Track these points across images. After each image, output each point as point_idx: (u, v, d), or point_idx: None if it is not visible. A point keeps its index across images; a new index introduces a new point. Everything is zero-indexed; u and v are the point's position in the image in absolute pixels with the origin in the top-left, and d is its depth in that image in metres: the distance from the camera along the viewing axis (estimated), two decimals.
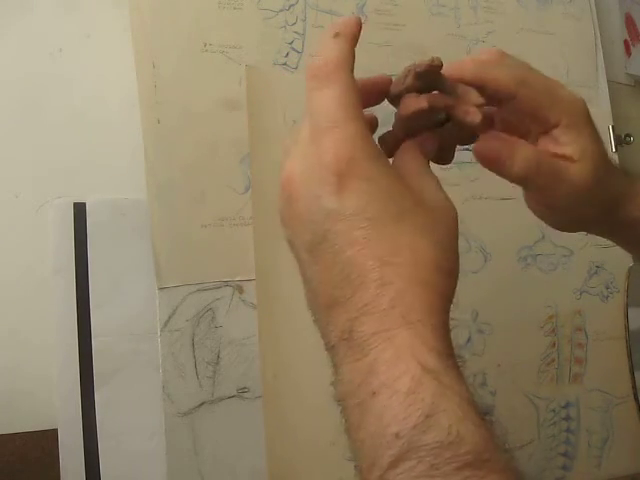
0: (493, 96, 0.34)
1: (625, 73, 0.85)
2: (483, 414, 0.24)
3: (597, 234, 0.42)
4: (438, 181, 0.30)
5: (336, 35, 0.29)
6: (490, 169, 0.34)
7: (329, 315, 0.26)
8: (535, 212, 0.38)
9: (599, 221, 0.38)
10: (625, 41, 0.85)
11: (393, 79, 0.34)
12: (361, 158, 0.27)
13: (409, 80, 0.32)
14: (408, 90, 0.32)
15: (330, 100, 0.28)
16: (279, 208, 0.30)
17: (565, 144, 0.34)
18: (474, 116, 0.32)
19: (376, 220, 0.26)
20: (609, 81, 0.78)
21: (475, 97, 0.32)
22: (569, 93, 0.35)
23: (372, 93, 0.33)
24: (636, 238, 0.39)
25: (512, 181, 0.34)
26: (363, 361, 0.24)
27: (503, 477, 0.22)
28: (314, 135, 0.28)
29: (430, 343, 0.24)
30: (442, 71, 0.32)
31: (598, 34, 0.78)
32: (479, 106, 0.32)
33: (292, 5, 0.60)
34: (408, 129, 0.32)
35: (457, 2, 0.69)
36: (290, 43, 0.59)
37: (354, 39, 0.30)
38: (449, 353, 0.25)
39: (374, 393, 0.24)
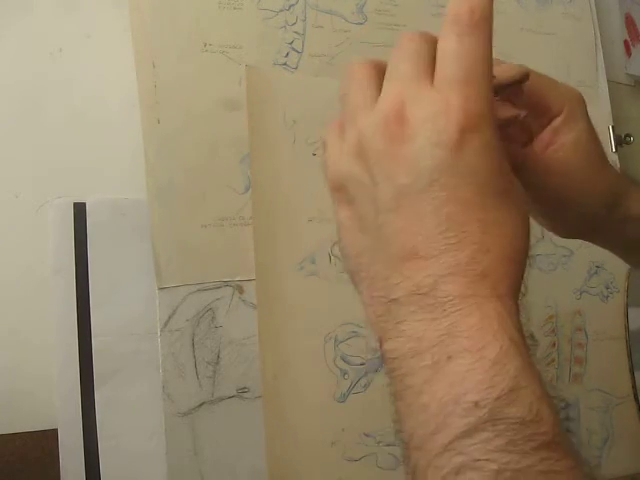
0: (499, 91, 0.34)
1: (625, 73, 0.85)
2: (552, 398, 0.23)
3: (598, 240, 0.42)
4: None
5: None
6: None
7: (403, 266, 0.25)
8: (538, 220, 0.39)
9: (600, 221, 0.38)
10: (625, 41, 0.85)
11: None
12: (487, 121, 0.26)
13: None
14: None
15: (479, 49, 0.27)
16: (365, 140, 0.27)
17: (564, 133, 0.35)
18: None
19: (485, 187, 0.25)
20: (609, 81, 0.78)
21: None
22: (566, 85, 0.36)
23: None
24: (633, 237, 0.39)
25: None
26: (441, 321, 0.24)
27: (573, 462, 0.22)
28: (448, 82, 0.26)
29: (514, 319, 0.24)
30: None
31: (598, 34, 0.78)
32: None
33: (292, 5, 0.60)
34: None
35: None
36: (290, 43, 0.59)
37: None
38: (524, 333, 0.25)
39: (451, 357, 0.23)
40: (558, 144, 0.35)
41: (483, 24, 0.27)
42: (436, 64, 0.27)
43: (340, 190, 0.29)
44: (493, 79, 0.29)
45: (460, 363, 0.22)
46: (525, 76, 0.33)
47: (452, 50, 0.27)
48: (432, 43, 0.29)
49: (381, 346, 0.26)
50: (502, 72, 0.32)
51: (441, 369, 0.23)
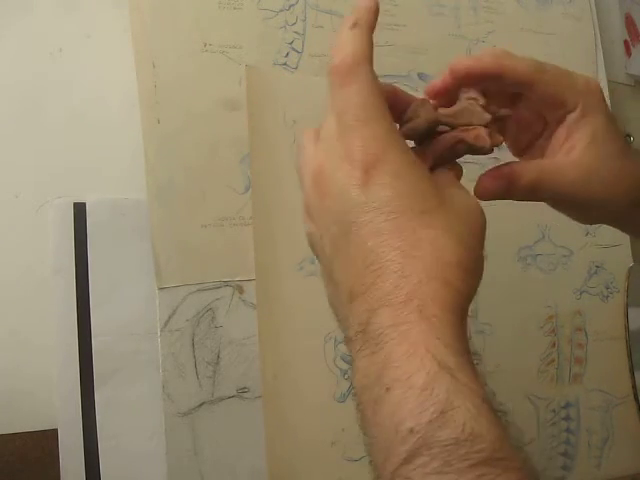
0: (511, 85, 0.34)
1: (625, 73, 0.85)
2: (498, 413, 0.24)
3: (623, 227, 0.41)
4: (467, 191, 0.31)
5: (353, 26, 0.29)
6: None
7: (350, 307, 0.27)
8: (567, 214, 0.38)
9: (626, 214, 0.36)
10: (625, 41, 0.85)
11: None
12: (389, 154, 0.27)
13: (428, 114, 0.33)
14: (429, 122, 0.32)
15: (355, 97, 0.28)
16: (307, 202, 0.30)
17: (580, 129, 0.34)
18: (484, 141, 0.33)
19: (401, 214, 0.26)
20: (609, 81, 0.78)
21: (481, 117, 0.33)
22: (584, 76, 0.35)
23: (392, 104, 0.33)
24: None
25: (522, 200, 0.35)
26: (378, 355, 0.24)
27: (518, 476, 0.22)
28: (341, 132, 0.28)
29: (446, 339, 0.24)
30: (461, 64, 0.34)
31: (598, 34, 0.78)
32: (486, 125, 0.33)
33: (292, 5, 0.60)
34: (437, 159, 0.33)
35: (457, 2, 0.69)
36: (290, 43, 0.59)
37: (371, 28, 0.30)
38: (464, 350, 0.25)
39: (388, 388, 0.23)
40: (573, 141, 0.34)
41: (360, 67, 0.28)
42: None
43: (307, 207, 0.31)
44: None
45: (395, 394, 0.23)
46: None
47: (337, 102, 0.29)
48: None
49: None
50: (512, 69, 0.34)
51: (382, 401, 0.24)
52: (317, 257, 0.31)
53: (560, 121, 0.35)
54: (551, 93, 0.34)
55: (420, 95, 0.35)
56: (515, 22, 0.72)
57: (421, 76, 0.65)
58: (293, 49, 0.59)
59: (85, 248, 0.52)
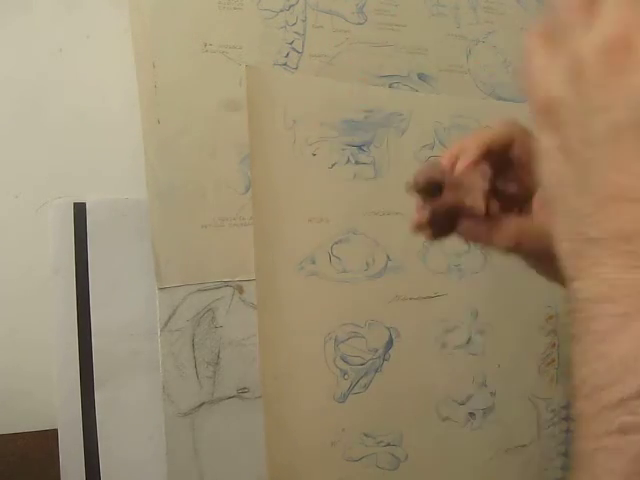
0: (499, 153, 0.36)
1: None
2: None
3: None
4: None
5: None
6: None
7: (606, 206, 0.23)
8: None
9: None
10: None
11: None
12: None
13: (430, 174, 0.36)
14: (428, 180, 0.36)
15: None
16: (590, 66, 0.24)
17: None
18: (479, 207, 0.36)
19: None
20: None
21: (481, 185, 0.37)
22: None
23: None
24: None
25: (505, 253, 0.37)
26: (639, 271, 0.21)
27: None
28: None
29: None
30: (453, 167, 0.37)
31: None
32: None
33: (292, 5, 0.60)
34: (436, 216, 0.37)
35: (457, 2, 0.69)
36: (290, 43, 0.59)
37: None
38: None
39: None
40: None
41: None
42: None
43: (548, 114, 0.26)
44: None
45: None
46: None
47: None
48: None
49: (570, 284, 0.24)
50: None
51: (630, 321, 0.21)
52: (555, 128, 0.26)
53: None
54: (527, 153, 0.35)
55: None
56: (515, 22, 0.72)
57: (421, 76, 0.65)
58: (293, 49, 0.59)
59: (85, 248, 0.52)
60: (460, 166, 0.36)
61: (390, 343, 0.60)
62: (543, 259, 0.36)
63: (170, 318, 0.52)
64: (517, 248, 0.37)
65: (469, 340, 0.63)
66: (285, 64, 0.59)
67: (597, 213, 0.23)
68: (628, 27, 0.23)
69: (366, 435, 0.58)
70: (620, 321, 0.21)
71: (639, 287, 0.21)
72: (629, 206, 0.22)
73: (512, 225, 0.37)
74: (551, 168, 0.26)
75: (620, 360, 0.21)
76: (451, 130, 0.65)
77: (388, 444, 0.58)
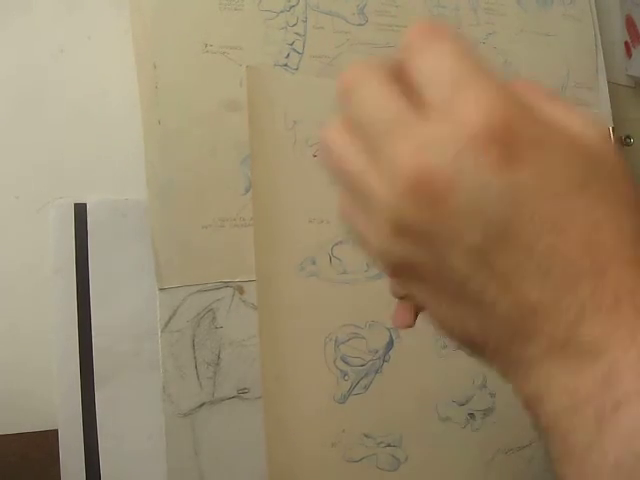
0: None
1: (625, 75, 0.85)
2: None
3: None
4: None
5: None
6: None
7: (532, 325, 0.21)
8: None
9: None
10: (626, 42, 0.85)
11: None
12: (520, 114, 0.20)
13: None
14: None
15: (448, 55, 0.21)
16: (406, 218, 0.21)
17: None
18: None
19: (566, 194, 0.20)
20: (609, 82, 0.78)
21: None
22: None
23: None
24: None
25: None
26: (593, 369, 0.20)
27: None
28: (441, 101, 0.21)
29: None
30: None
31: (598, 35, 0.79)
32: None
33: (293, 6, 0.60)
34: None
35: (457, 3, 0.69)
36: (291, 44, 0.59)
37: None
38: None
39: (618, 404, 0.19)
40: None
41: (444, 30, 0.22)
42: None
43: (400, 274, 0.24)
44: None
45: (632, 411, 0.19)
46: None
47: (425, 66, 0.22)
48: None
49: (528, 406, 0.23)
50: None
51: (608, 422, 0.19)
52: (415, 283, 0.24)
53: None
54: None
55: None
56: (515, 23, 0.72)
57: None
58: (294, 50, 0.59)
59: (86, 249, 0.52)
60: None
61: (390, 344, 0.60)
62: None
63: (170, 319, 0.52)
64: None
65: None
66: (286, 65, 0.59)
67: (528, 335, 0.21)
68: (416, 161, 0.20)
69: (366, 436, 0.58)
70: (594, 426, 0.20)
71: (596, 384, 0.20)
72: (542, 317, 0.21)
73: None
74: (438, 316, 0.24)
75: (617, 466, 0.19)
76: None
77: (388, 445, 0.58)
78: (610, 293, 0.20)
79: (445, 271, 0.22)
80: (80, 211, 0.52)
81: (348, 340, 0.58)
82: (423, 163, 0.20)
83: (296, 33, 0.60)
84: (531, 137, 0.20)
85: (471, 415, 0.63)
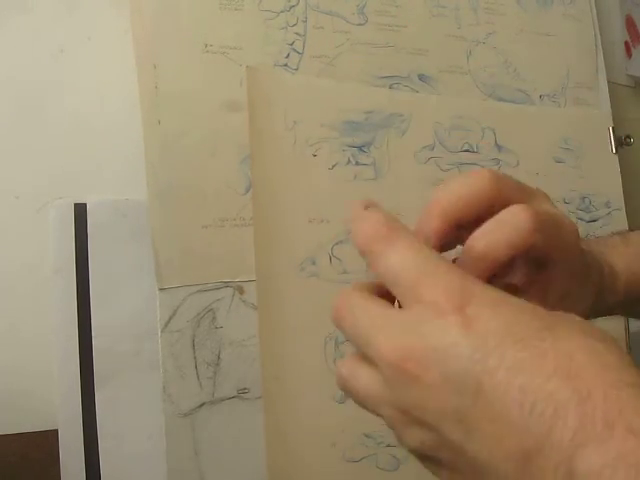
0: (468, 215, 0.30)
1: (625, 74, 0.85)
2: None
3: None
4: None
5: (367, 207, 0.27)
6: None
7: (528, 472, 0.21)
8: None
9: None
10: (626, 42, 0.85)
11: None
12: (471, 283, 0.23)
13: None
14: None
15: (402, 253, 0.25)
16: (401, 401, 0.24)
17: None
18: None
19: (526, 340, 0.22)
20: (609, 82, 0.78)
21: None
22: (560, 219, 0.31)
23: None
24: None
25: None
26: None
27: None
28: (405, 293, 0.24)
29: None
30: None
31: (598, 35, 0.79)
32: None
33: (293, 6, 0.60)
34: None
35: (457, 3, 0.69)
36: (291, 44, 0.59)
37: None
38: None
39: None
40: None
41: (398, 230, 0.26)
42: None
43: (424, 459, 0.25)
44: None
45: None
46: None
47: (386, 268, 0.26)
48: None
49: None
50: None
51: None
52: (433, 461, 0.25)
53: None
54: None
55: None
56: (515, 23, 0.72)
57: (421, 77, 0.65)
58: (294, 50, 0.59)
59: (86, 249, 0.52)
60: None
61: None
62: None
63: (170, 319, 0.52)
64: None
65: None
66: (286, 65, 0.59)
67: None
68: (397, 344, 0.23)
69: (366, 436, 0.58)
70: None
71: None
72: (539, 457, 0.20)
73: None
74: (436, 454, 0.24)
75: None
76: (451, 131, 0.65)
77: (388, 445, 0.58)
78: (599, 418, 0.20)
79: (450, 450, 0.23)
80: (80, 211, 0.52)
81: (348, 340, 0.58)
82: (399, 346, 0.23)
83: (296, 33, 0.60)
84: (486, 299, 0.23)
85: None
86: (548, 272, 0.30)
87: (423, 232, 0.29)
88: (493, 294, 0.23)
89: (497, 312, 0.22)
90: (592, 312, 0.36)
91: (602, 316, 0.38)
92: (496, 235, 0.27)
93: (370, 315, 0.26)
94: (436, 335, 0.22)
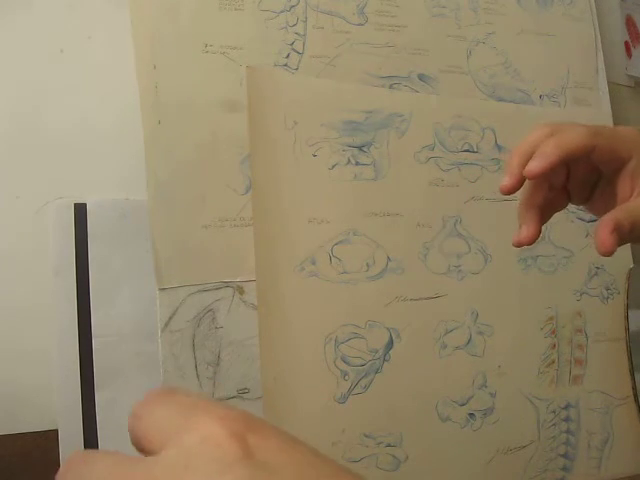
0: (578, 158, 0.40)
1: (625, 74, 0.85)
2: None
3: None
4: None
5: None
6: None
7: None
8: None
9: None
10: (626, 42, 0.85)
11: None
12: (244, 416, 0.21)
13: None
14: None
15: (164, 408, 0.23)
16: None
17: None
18: None
19: (309, 463, 0.21)
20: (609, 82, 0.78)
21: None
22: (627, 128, 0.41)
23: None
24: None
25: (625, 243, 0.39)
26: None
27: None
28: (173, 438, 0.21)
29: None
30: (538, 169, 0.39)
31: (598, 35, 0.79)
32: None
33: (293, 6, 0.60)
34: None
35: (457, 3, 0.69)
36: (291, 44, 0.59)
37: None
38: None
39: None
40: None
41: None
42: None
43: None
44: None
45: None
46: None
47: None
48: None
49: None
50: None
51: None
52: None
53: (617, 171, 0.40)
54: (607, 151, 0.39)
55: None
56: (515, 23, 0.72)
57: (421, 77, 0.65)
58: (294, 50, 0.59)
59: (86, 249, 0.52)
60: (535, 169, 0.38)
61: (390, 344, 0.60)
62: None
63: (170, 319, 0.52)
64: (635, 232, 0.38)
65: (469, 341, 0.63)
66: (286, 65, 0.59)
67: None
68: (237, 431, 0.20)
69: (366, 436, 0.58)
70: None
71: None
72: None
73: (623, 215, 0.38)
74: None
75: None
76: (451, 131, 0.65)
77: (388, 445, 0.58)
78: None
79: None
80: (80, 211, 0.52)
81: (348, 340, 0.58)
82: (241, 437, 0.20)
83: (296, 33, 0.60)
84: (264, 433, 0.20)
85: (471, 415, 0.63)
86: (611, 185, 0.40)
87: (545, 153, 0.38)
88: (271, 430, 0.21)
89: (283, 444, 0.20)
90: None
91: None
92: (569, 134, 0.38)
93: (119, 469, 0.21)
94: (210, 469, 0.19)
